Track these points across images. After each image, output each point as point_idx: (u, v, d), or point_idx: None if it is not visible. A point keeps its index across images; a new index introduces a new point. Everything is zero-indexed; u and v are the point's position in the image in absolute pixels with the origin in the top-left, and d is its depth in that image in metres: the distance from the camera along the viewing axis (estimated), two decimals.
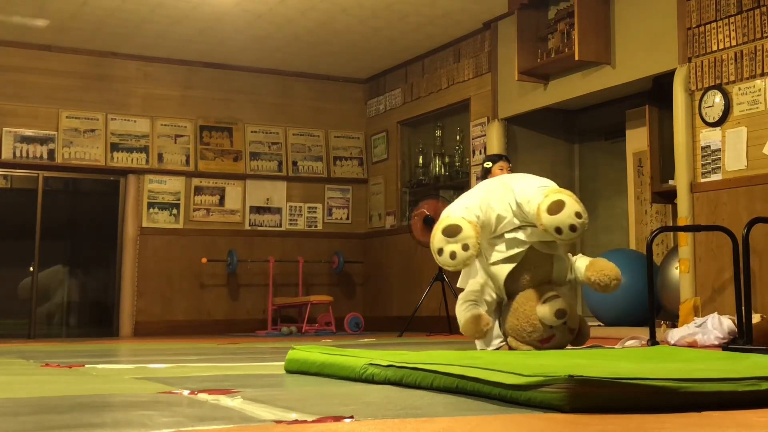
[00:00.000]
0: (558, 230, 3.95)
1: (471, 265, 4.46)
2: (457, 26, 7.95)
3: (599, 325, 6.70)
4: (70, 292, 8.85)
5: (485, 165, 5.63)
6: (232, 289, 8.96)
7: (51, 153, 8.28)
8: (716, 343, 4.85)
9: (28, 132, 8.23)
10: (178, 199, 8.74)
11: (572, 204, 3.97)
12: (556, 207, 3.96)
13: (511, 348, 4.31)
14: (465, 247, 4.02)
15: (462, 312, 4.27)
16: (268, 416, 1.91)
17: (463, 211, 4.25)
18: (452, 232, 4.04)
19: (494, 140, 7.63)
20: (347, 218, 9.53)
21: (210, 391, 2.42)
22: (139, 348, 5.91)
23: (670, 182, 6.29)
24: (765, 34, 5.45)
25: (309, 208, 9.36)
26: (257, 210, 9.10)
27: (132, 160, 8.59)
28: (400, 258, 8.94)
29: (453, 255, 4.02)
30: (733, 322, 4.88)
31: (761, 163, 5.44)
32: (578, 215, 3.95)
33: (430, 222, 7.01)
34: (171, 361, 4.14)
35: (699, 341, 4.93)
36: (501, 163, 5.55)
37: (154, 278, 8.57)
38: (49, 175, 8.45)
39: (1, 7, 7.32)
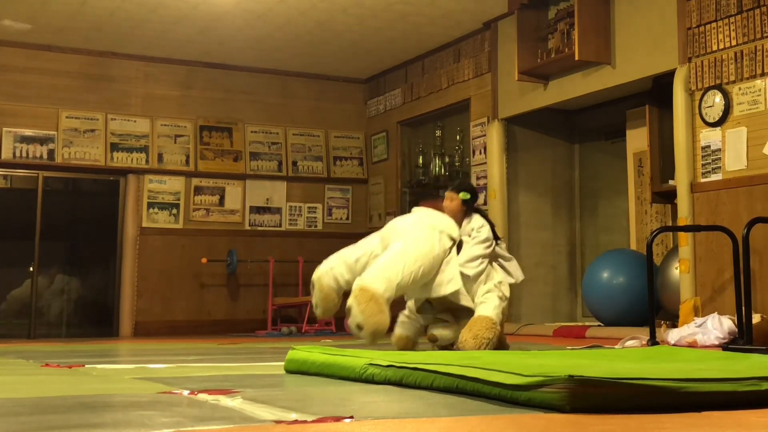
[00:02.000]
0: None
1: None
2: (457, 26, 7.94)
3: (599, 325, 6.69)
4: (70, 292, 8.83)
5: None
6: (232, 289, 8.96)
7: (51, 153, 8.28)
8: (716, 343, 4.85)
9: (28, 132, 8.23)
10: (178, 199, 8.74)
11: (355, 315, 4.31)
12: (347, 311, 4.38)
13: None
14: (316, 307, 4.79)
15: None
16: (268, 416, 1.91)
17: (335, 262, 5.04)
18: (312, 287, 4.83)
19: (494, 140, 7.63)
20: (347, 218, 9.53)
21: (210, 391, 2.42)
22: (139, 348, 5.91)
23: (670, 182, 6.29)
24: (765, 34, 5.44)
25: (309, 208, 9.36)
26: (257, 210, 9.10)
27: (132, 160, 8.58)
28: None
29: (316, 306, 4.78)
30: (733, 322, 4.88)
31: (761, 163, 5.44)
32: (359, 327, 4.31)
33: None
34: (171, 361, 4.14)
35: (699, 341, 4.93)
36: (450, 193, 5.14)
37: (154, 278, 8.56)
38: (49, 175, 8.45)
39: None
